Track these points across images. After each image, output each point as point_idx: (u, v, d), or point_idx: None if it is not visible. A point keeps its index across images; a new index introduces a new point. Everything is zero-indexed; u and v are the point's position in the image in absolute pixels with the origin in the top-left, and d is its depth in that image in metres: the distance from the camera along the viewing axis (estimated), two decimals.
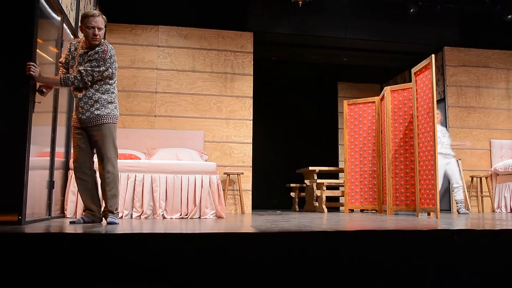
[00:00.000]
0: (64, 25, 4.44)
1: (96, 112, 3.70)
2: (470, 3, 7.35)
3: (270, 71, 9.20)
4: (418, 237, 2.54)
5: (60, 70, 3.77)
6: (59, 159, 4.59)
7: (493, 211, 7.44)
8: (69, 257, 2.22)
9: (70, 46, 3.76)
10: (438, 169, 5.24)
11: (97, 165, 3.81)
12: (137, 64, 6.96)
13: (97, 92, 3.71)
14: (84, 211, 3.88)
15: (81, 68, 3.60)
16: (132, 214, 4.96)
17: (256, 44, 7.41)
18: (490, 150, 7.84)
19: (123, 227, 3.42)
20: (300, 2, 5.74)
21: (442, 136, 6.60)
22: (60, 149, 4.60)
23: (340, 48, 8.36)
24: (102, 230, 2.83)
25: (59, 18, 4.29)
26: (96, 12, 3.67)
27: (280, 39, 7.95)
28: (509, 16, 7.21)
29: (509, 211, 7.17)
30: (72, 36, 4.81)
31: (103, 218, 3.81)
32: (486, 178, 7.59)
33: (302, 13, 7.15)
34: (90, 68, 3.60)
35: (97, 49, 3.66)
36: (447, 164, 6.64)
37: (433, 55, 5.46)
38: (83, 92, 3.68)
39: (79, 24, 3.76)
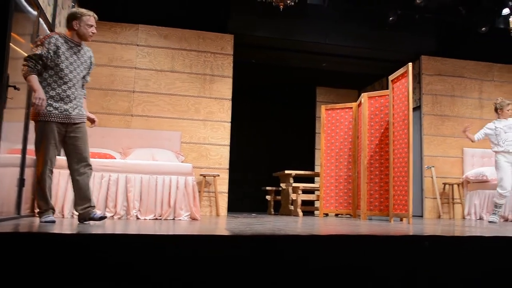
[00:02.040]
0: (41, 20, 4.36)
1: (82, 110, 3.89)
2: (448, 13, 7.50)
3: (250, 73, 9.21)
4: (389, 243, 2.57)
5: (33, 63, 3.54)
6: (30, 157, 4.50)
7: (464, 218, 7.58)
8: (38, 257, 2.17)
9: (53, 41, 3.66)
10: (411, 175, 5.32)
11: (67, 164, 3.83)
12: (115, 63, 6.88)
13: (82, 91, 4.00)
14: (44, 210, 3.69)
15: (88, 78, 4.04)
16: (105, 214, 4.88)
17: (236, 47, 7.41)
18: (463, 158, 8.01)
19: (96, 227, 3.37)
20: (281, 6, 5.76)
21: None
22: (32, 147, 4.51)
23: (320, 53, 8.42)
24: (74, 230, 2.78)
25: (35, 13, 4.21)
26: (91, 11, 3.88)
27: (260, 42, 7.97)
28: (484, 29, 7.38)
29: (478, 218, 7.32)
30: (48, 32, 4.72)
31: (88, 214, 3.78)
32: (458, 185, 7.74)
33: (283, 17, 7.18)
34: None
35: (91, 55, 4.02)
36: None
37: (410, 64, 5.55)
38: (78, 90, 3.87)
39: (73, 20, 3.78)
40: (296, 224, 4.36)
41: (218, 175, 6.82)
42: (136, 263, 2.23)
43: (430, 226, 4.81)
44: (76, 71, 3.81)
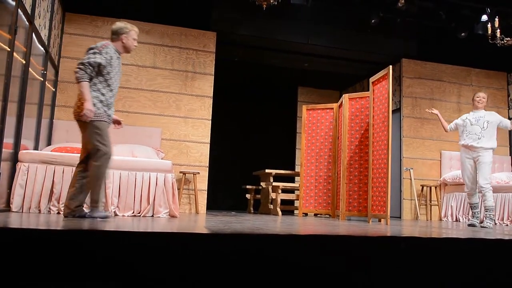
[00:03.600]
0: (20, 11, 4.27)
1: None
2: (428, 18, 7.60)
3: (232, 71, 9.20)
4: (366, 243, 2.60)
5: (90, 70, 3.79)
6: (6, 150, 4.42)
7: (440, 219, 7.71)
8: (12, 253, 2.13)
9: (110, 51, 3.94)
10: (390, 177, 5.39)
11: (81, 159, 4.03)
12: None
13: None
14: (98, 206, 3.93)
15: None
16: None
17: (219, 44, 7.39)
18: (441, 160, 8.13)
19: (73, 223, 3.33)
20: (264, 5, 5.76)
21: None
22: (8, 140, 4.43)
23: (302, 53, 8.46)
24: (50, 226, 2.74)
25: (13, 3, 4.12)
26: None
27: (243, 40, 7.96)
28: (463, 34, 7.51)
29: (454, 220, 7.45)
30: (27, 23, 4.64)
31: (91, 211, 3.91)
32: (435, 187, 7.86)
33: (266, 17, 7.19)
34: None
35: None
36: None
37: (390, 66, 5.61)
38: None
39: (122, 34, 4.06)
40: (275, 223, 4.37)
41: (198, 173, 6.80)
42: (113, 260, 2.21)
43: (407, 227, 4.88)
44: (117, 81, 4.10)
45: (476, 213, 5.66)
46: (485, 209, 5.49)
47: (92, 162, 3.90)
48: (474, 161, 5.61)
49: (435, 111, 5.99)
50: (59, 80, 6.59)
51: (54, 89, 6.49)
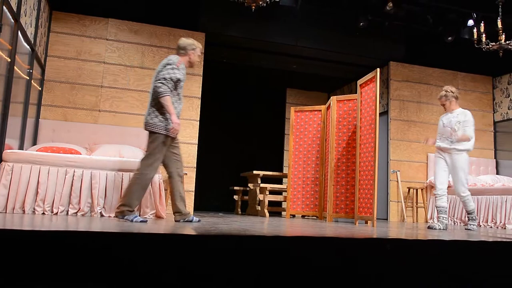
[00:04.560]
0: (5, 8, 4.22)
1: None
2: (416, 22, 7.67)
3: (221, 73, 9.18)
4: (352, 245, 2.61)
5: (172, 84, 4.07)
6: None
7: (427, 221, 7.77)
8: None
9: (184, 67, 4.23)
10: (377, 179, 5.41)
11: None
12: (83, 56, 6.74)
13: None
14: (133, 211, 4.13)
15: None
16: (68, 210, 4.78)
17: (207, 45, 7.37)
18: (427, 163, 8.20)
19: (57, 224, 3.29)
20: (253, 7, 5.76)
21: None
22: None
23: (291, 55, 8.47)
24: (35, 227, 2.71)
25: None
26: None
27: (232, 41, 7.95)
28: (449, 38, 7.58)
29: None
30: (13, 21, 4.58)
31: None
32: (421, 190, 7.92)
33: (254, 18, 7.19)
34: None
35: None
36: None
37: (378, 69, 5.64)
38: None
39: (190, 50, 4.30)
40: (262, 225, 4.37)
41: (186, 174, 6.76)
42: (98, 261, 2.19)
43: (393, 229, 4.91)
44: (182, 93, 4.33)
45: (443, 218, 5.20)
46: (467, 212, 5.31)
47: (140, 169, 4.13)
48: (447, 163, 5.35)
49: (430, 142, 5.64)
50: (46, 79, 6.53)
51: (40, 88, 6.42)
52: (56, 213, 4.69)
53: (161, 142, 4.11)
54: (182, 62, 4.23)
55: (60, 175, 4.80)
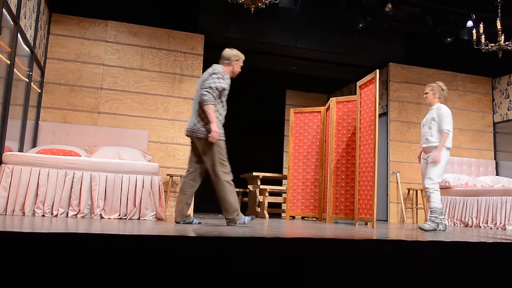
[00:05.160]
0: (4, 10, 4.23)
1: None
2: (415, 23, 7.68)
3: None
4: (351, 246, 2.61)
5: (217, 94, 4.28)
6: None
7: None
8: None
9: (228, 77, 4.46)
10: (376, 180, 5.41)
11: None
12: (83, 58, 6.74)
13: None
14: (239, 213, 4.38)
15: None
16: (68, 212, 4.78)
17: (207, 47, 7.38)
18: None
19: (57, 226, 3.29)
20: (253, 8, 5.76)
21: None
22: None
23: (290, 57, 8.47)
24: (35, 229, 2.70)
25: None
26: None
27: (231, 43, 7.87)
28: (449, 39, 7.59)
29: None
30: (12, 24, 4.59)
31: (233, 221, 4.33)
32: (421, 191, 7.92)
33: (254, 20, 7.19)
34: None
35: None
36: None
37: (377, 70, 5.65)
38: None
39: (234, 61, 4.54)
40: (262, 226, 4.37)
41: None
42: (98, 263, 2.19)
43: (393, 230, 4.91)
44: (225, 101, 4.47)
45: (436, 218, 4.87)
46: (429, 210, 4.93)
47: (214, 179, 4.33)
48: (428, 163, 5.08)
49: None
50: (45, 82, 6.53)
51: (40, 90, 6.43)
52: (56, 215, 4.69)
53: (216, 145, 4.30)
54: (227, 72, 4.45)
55: (60, 177, 4.80)
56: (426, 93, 5.30)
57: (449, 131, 4.96)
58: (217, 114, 4.31)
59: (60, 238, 2.36)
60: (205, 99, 4.21)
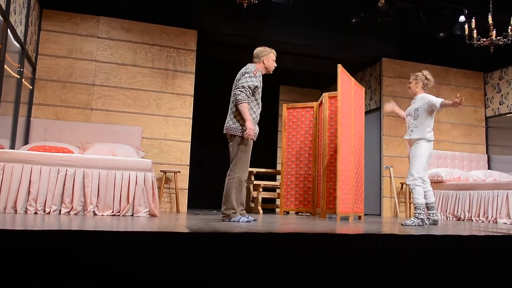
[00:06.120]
0: None
1: None
2: (408, 18, 7.69)
3: (214, 70, 9.16)
4: (344, 241, 2.62)
5: (249, 92, 4.40)
6: None
7: None
8: None
9: (260, 74, 4.54)
10: (358, 176, 5.42)
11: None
12: (75, 54, 6.70)
13: None
14: (235, 212, 4.40)
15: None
16: (60, 210, 4.76)
17: (200, 43, 7.35)
18: None
19: (50, 223, 3.28)
20: (245, 4, 5.75)
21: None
22: None
23: (284, 52, 8.40)
24: (26, 226, 2.69)
25: None
26: None
27: (224, 39, 7.93)
28: (441, 34, 7.61)
29: None
30: (2, 19, 4.55)
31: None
32: None
33: (247, 15, 7.17)
34: None
35: None
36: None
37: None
38: None
39: (263, 56, 4.59)
40: (256, 222, 4.37)
41: (179, 172, 6.77)
42: (91, 260, 2.18)
43: (386, 225, 4.93)
44: (260, 99, 4.57)
45: (431, 214, 4.94)
46: (414, 206, 4.87)
47: (229, 173, 4.43)
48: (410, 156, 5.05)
49: (389, 107, 5.37)
50: (37, 78, 6.49)
51: (31, 87, 6.38)
52: (49, 213, 4.67)
53: (242, 144, 4.40)
54: (259, 70, 4.53)
55: (52, 174, 4.78)
56: (410, 83, 5.21)
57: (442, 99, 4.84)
58: (251, 111, 4.42)
59: (53, 235, 2.36)
60: (239, 98, 4.34)
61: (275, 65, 4.71)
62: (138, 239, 2.40)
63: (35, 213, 4.62)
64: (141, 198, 4.99)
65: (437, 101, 4.85)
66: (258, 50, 4.66)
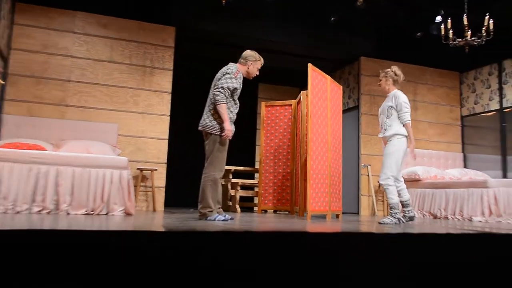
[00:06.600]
0: None
1: None
2: (386, 18, 7.75)
3: (193, 67, 9.08)
4: (320, 239, 2.61)
5: (228, 93, 4.39)
6: None
7: None
8: None
9: (241, 76, 4.54)
10: (333, 174, 5.43)
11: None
12: (50, 50, 6.55)
13: None
14: (212, 211, 4.37)
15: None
16: (32, 208, 4.63)
17: (179, 39, 7.27)
18: None
19: (20, 222, 3.19)
20: (224, 1, 5.70)
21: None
22: None
23: (262, 50, 8.38)
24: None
25: None
26: None
27: (203, 36, 7.86)
28: (419, 34, 7.69)
29: None
30: None
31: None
32: None
33: (226, 12, 7.13)
34: None
35: None
36: None
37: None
38: None
39: (250, 61, 4.59)
40: (232, 220, 4.34)
41: (156, 170, 6.68)
42: (63, 260, 2.12)
43: (364, 223, 4.95)
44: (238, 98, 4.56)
45: (406, 211, 4.93)
46: (390, 207, 4.85)
47: (204, 170, 4.40)
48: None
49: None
50: (10, 73, 6.32)
51: (3, 82, 6.21)
52: (19, 212, 4.55)
53: (218, 142, 4.39)
54: (240, 72, 4.53)
55: (24, 172, 4.66)
56: (380, 80, 5.10)
57: (410, 121, 4.87)
58: (228, 111, 4.41)
59: (23, 235, 2.28)
60: (217, 99, 4.34)
61: (258, 74, 4.71)
62: (110, 238, 2.34)
63: (5, 212, 4.50)
64: (117, 197, 4.91)
65: (406, 119, 4.86)
66: (248, 53, 4.66)
